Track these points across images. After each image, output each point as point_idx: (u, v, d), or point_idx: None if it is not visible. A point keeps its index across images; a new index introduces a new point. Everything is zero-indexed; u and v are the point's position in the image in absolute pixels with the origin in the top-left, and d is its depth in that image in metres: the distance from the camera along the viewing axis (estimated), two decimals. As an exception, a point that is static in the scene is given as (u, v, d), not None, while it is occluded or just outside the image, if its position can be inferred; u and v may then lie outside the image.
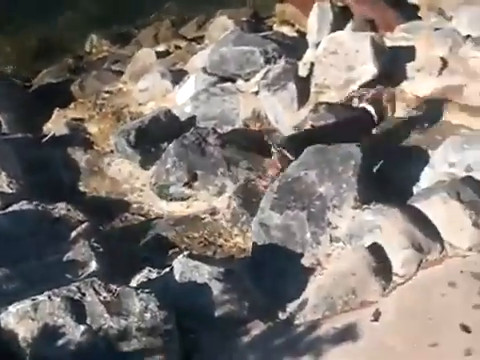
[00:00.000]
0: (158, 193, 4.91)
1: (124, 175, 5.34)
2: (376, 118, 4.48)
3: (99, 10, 10.08)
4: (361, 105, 4.53)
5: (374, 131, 4.64)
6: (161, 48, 8.32)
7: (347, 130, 4.40)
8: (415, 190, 4.02)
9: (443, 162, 3.96)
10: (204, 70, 6.04)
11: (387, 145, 4.60)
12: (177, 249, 4.32)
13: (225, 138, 5.00)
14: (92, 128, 6.13)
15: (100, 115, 6.40)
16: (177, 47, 8.17)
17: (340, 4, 7.03)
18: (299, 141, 4.31)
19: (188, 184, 4.80)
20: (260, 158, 4.79)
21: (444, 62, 5.26)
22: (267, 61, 5.65)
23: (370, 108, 4.47)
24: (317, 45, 5.56)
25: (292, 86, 5.07)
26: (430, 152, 4.26)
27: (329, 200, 3.71)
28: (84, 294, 3.17)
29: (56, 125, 6.27)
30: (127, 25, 9.91)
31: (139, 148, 5.23)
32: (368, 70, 4.92)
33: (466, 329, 3.08)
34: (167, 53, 8.05)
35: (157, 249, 4.41)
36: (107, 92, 7.07)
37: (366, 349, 3.11)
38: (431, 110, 4.86)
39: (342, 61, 5.05)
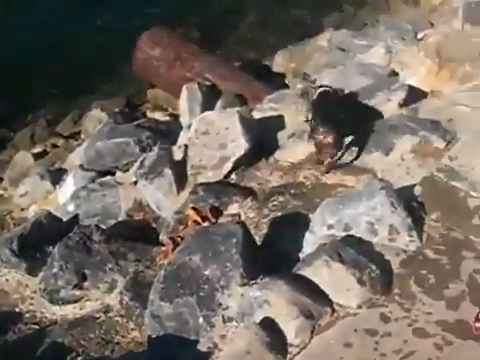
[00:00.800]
0: (49, 299, 4.75)
1: (12, 285, 5.13)
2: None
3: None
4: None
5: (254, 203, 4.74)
6: (38, 149, 8.27)
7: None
8: (300, 256, 4.07)
9: (322, 225, 4.03)
10: (82, 167, 6.01)
11: (268, 214, 4.66)
12: (74, 354, 4.17)
13: (109, 232, 4.94)
14: (-25, 239, 5.95)
15: (-17, 225, 6.25)
16: (54, 146, 8.15)
17: (207, 83, 7.22)
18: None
19: (78, 285, 4.68)
20: (148, 248, 4.76)
21: (312, 126, 5.42)
22: (142, 150, 5.70)
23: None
24: (189, 127, 5.64)
25: (168, 172, 5.10)
26: (310, 216, 4.33)
27: (216, 281, 3.71)
28: None
29: None
30: (2, 128, 9.78)
31: (24, 256, 5.06)
32: (240, 145, 5.02)
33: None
34: (45, 153, 8.01)
35: (54, 358, 4.26)
36: (-12, 200, 6.95)
37: None
38: (306, 174, 4.97)
39: (214, 140, 5.14)
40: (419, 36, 7.24)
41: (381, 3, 11.75)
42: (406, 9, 10.75)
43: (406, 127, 4.97)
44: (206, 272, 3.76)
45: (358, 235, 3.88)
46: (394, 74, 6.17)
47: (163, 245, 4.71)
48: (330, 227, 3.97)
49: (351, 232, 3.91)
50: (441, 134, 4.82)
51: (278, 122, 5.67)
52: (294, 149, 5.26)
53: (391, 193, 3.92)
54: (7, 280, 5.22)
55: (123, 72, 10.18)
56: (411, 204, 4.06)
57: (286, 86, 7.70)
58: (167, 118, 7.11)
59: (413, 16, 8.46)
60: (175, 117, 7.06)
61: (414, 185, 4.31)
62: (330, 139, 4.68)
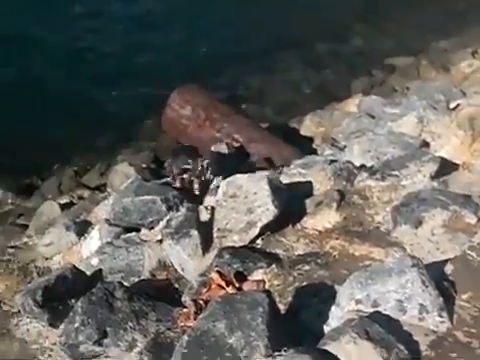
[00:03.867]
0: (68, 352, 4.74)
1: (33, 336, 5.19)
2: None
3: (0, 162, 10.05)
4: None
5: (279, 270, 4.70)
6: (65, 199, 8.35)
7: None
8: (325, 329, 4.00)
9: (349, 299, 3.96)
10: (108, 221, 6.02)
11: (293, 283, 4.62)
12: None
13: (132, 290, 4.93)
14: (-1, 286, 5.97)
15: (6, 271, 6.26)
16: (80, 197, 8.20)
17: (236, 144, 7.26)
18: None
19: (98, 341, 4.66)
20: (169, 308, 4.73)
21: (341, 194, 5.41)
22: (169, 208, 5.70)
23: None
24: (217, 188, 5.65)
25: (195, 233, 5.09)
26: (336, 288, 4.27)
27: (240, 351, 3.63)
28: None
29: (-39, 288, 6.11)
30: (30, 176, 9.92)
31: (47, 307, 5.10)
32: (268, 211, 4.99)
33: None
34: (71, 204, 8.07)
35: None
36: (13, 247, 7.00)
37: None
38: (333, 244, 4.93)
39: (242, 204, 5.12)
40: (451, 106, 7.24)
41: (411, 69, 11.85)
42: (436, 76, 10.83)
43: (436, 200, 4.91)
44: (230, 340, 3.69)
45: (386, 312, 3.80)
46: (425, 144, 6.16)
47: (185, 307, 4.68)
48: (358, 302, 3.90)
49: (379, 309, 3.83)
50: (473, 209, 4.76)
51: (306, 188, 5.68)
52: (321, 217, 5.22)
53: (422, 271, 3.85)
54: (28, 330, 5.27)
55: (151, 127, 10.33)
56: (441, 282, 3.98)
57: (314, 151, 7.72)
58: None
59: (444, 84, 8.46)
60: (201, 176, 7.06)
61: (445, 262, 4.25)
62: None
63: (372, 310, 3.85)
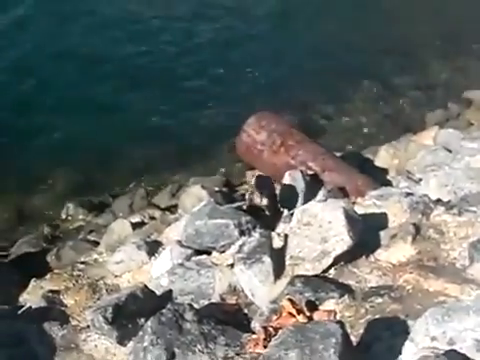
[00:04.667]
0: (136, 371, 4.77)
1: (101, 352, 5.26)
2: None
3: (74, 179, 10.28)
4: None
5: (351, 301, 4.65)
6: (136, 218, 8.45)
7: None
8: (399, 365, 3.93)
9: (425, 335, 3.88)
10: (179, 243, 6.06)
11: (365, 315, 4.55)
12: None
13: (202, 313, 4.94)
14: (68, 300, 6.09)
15: (76, 287, 6.38)
16: (151, 217, 8.29)
17: (310, 172, 7.23)
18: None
19: (166, 362, 4.68)
20: (238, 333, 4.71)
21: (417, 228, 5.33)
22: (241, 233, 5.70)
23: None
24: (291, 215, 5.63)
25: (268, 259, 5.06)
26: (409, 323, 4.19)
27: (311, 381, 3.61)
28: None
29: (32, 297, 6.30)
30: (102, 194, 10.10)
31: (116, 325, 5.15)
32: (343, 241, 4.95)
33: None
34: (142, 223, 8.16)
35: None
36: (83, 263, 7.10)
37: None
38: (407, 278, 4.85)
39: (316, 232, 5.09)
40: None
41: (489, 103, 11.66)
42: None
43: (513, 237, 4.81)
44: (301, 370, 3.67)
45: (462, 351, 3.70)
46: (503, 179, 6.04)
47: (254, 333, 4.66)
48: (433, 339, 3.81)
49: (455, 347, 3.74)
50: None
51: (380, 220, 5.61)
52: (396, 250, 5.15)
53: (501, 310, 3.76)
54: (96, 346, 5.35)
55: (224, 151, 10.39)
56: (519, 323, 3.87)
57: (389, 182, 7.64)
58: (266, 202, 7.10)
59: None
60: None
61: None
62: None
63: (448, 348, 3.76)
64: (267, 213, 6.28)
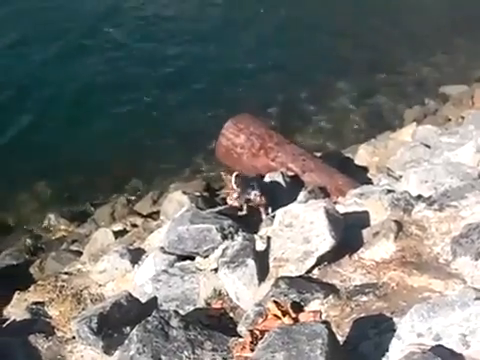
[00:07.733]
0: (123, 380, 4.74)
1: (87, 362, 5.19)
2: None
3: (55, 189, 10.24)
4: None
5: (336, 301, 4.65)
6: (118, 226, 8.41)
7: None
8: (386, 362, 3.93)
9: (410, 332, 3.87)
10: (162, 249, 6.04)
11: (350, 314, 4.55)
12: None
13: (188, 319, 4.91)
14: (53, 311, 6.04)
15: (60, 298, 6.30)
16: (133, 225, 8.26)
17: (290, 173, 7.23)
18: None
19: (153, 371, 4.65)
20: (224, 337, 4.69)
21: (399, 225, 5.33)
22: (224, 237, 5.69)
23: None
24: (273, 218, 5.62)
25: (251, 262, 5.05)
26: (395, 320, 4.19)
27: (298, 383, 3.60)
28: None
29: (16, 309, 6.20)
30: (83, 203, 10.07)
31: (102, 334, 5.11)
32: (325, 241, 4.94)
33: None
34: (124, 231, 8.13)
35: None
36: (66, 273, 7.05)
37: None
38: (391, 275, 4.85)
39: (298, 233, 5.08)
40: (510, 136, 7.11)
41: (465, 98, 11.74)
42: (491, 105, 10.73)
43: (497, 232, 4.82)
44: (289, 372, 3.65)
45: (449, 346, 3.70)
46: (484, 175, 6.06)
47: (241, 336, 4.64)
48: (419, 335, 3.81)
49: (441, 342, 3.73)
50: None
51: (362, 218, 5.62)
52: (379, 248, 5.15)
53: (486, 304, 3.77)
54: (82, 356, 5.31)
55: (203, 155, 10.39)
56: (505, 316, 3.88)
57: (369, 180, 7.66)
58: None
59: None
60: (256, 207, 7.06)
61: (508, 295, 4.14)
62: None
63: (434, 343, 3.76)
64: (262, 210, 6.28)
